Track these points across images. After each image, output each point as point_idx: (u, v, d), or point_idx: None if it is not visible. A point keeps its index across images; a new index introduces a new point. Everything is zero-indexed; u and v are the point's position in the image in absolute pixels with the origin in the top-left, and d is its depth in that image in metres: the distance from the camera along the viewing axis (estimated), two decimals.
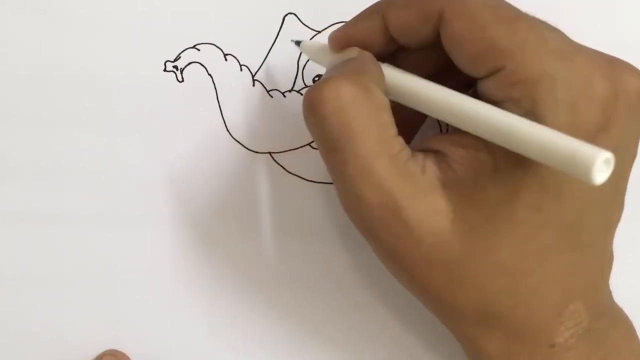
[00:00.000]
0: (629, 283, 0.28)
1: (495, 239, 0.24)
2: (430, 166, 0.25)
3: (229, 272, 0.32)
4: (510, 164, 0.24)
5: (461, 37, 0.24)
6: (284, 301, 0.32)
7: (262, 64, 0.32)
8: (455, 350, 0.28)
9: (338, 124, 0.24)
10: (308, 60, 0.32)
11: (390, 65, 0.27)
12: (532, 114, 0.23)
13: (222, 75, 0.32)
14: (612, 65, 0.25)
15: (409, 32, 0.26)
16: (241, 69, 0.32)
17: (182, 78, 0.32)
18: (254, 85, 0.32)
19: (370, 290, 0.32)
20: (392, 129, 0.25)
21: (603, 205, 0.25)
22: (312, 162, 0.32)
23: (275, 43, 0.32)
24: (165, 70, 0.31)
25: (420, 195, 0.24)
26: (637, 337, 0.28)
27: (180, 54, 0.31)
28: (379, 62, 0.26)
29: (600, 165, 0.21)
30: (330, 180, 0.32)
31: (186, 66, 0.32)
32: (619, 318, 0.28)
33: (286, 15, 0.32)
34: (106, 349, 0.32)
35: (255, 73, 0.32)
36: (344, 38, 0.27)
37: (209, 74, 0.32)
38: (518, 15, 0.24)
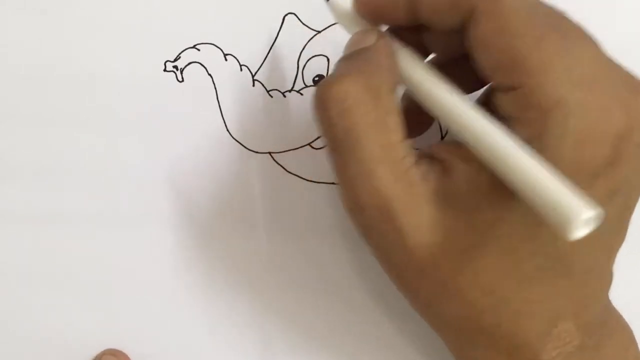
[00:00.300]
0: (628, 288, 0.28)
1: (485, 260, 0.24)
2: (433, 176, 0.24)
3: (229, 272, 0.32)
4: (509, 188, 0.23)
5: (486, 41, 0.23)
6: (284, 301, 0.32)
7: (262, 64, 0.32)
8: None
9: (343, 126, 0.24)
10: (308, 60, 0.32)
11: (410, 52, 0.26)
12: (538, 141, 0.22)
13: (222, 75, 0.32)
14: (635, 92, 0.24)
15: (437, 16, 0.25)
16: (241, 69, 0.32)
17: (182, 78, 0.32)
18: (254, 85, 0.32)
19: (370, 290, 0.32)
20: (399, 134, 0.24)
21: (604, 235, 0.24)
22: (312, 162, 0.32)
23: (275, 43, 0.32)
24: (165, 70, 0.31)
25: (417, 206, 0.24)
26: (635, 345, 0.28)
27: (180, 54, 0.31)
28: (397, 44, 0.26)
29: (584, 222, 0.20)
30: (330, 180, 0.32)
31: (186, 66, 0.32)
32: (616, 329, 0.27)
33: (286, 15, 0.32)
34: (106, 348, 0.32)
35: (255, 73, 0.32)
36: (371, 4, 0.26)
37: (209, 74, 0.32)
38: (553, 27, 0.23)
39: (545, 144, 0.22)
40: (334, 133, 0.24)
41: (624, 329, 0.28)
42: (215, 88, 0.32)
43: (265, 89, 0.32)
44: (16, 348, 0.31)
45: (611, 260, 0.26)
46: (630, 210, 0.26)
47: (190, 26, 0.32)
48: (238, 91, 0.32)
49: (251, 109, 0.32)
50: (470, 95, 0.27)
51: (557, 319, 0.25)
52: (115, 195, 0.32)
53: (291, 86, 0.32)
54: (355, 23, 0.27)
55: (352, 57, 0.25)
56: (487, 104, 0.25)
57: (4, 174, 0.31)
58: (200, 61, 0.32)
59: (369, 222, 0.24)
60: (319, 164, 0.32)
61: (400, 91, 0.27)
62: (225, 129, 0.32)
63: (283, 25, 0.32)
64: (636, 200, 0.26)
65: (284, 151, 0.32)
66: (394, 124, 0.24)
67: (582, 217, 0.20)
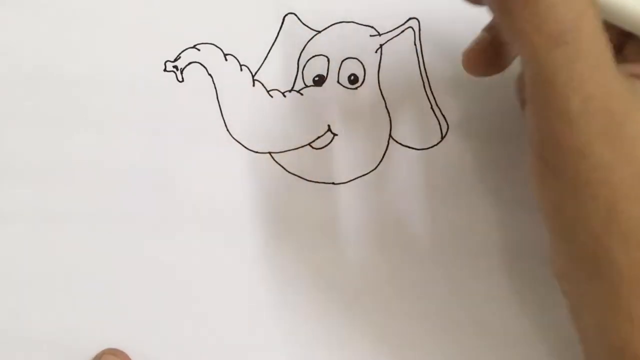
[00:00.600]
0: None
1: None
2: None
3: (228, 272, 0.32)
4: None
5: None
6: (284, 301, 0.32)
7: (262, 64, 0.32)
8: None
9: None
10: (308, 60, 0.32)
11: None
12: None
13: (222, 75, 0.32)
14: None
15: None
16: (241, 69, 0.32)
17: (182, 78, 0.32)
18: (254, 85, 0.32)
19: (370, 290, 0.32)
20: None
21: None
22: (312, 162, 0.32)
23: (275, 43, 0.32)
24: (165, 70, 0.32)
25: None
26: None
27: (180, 54, 0.32)
28: None
29: None
30: (330, 180, 0.32)
31: (186, 66, 0.32)
32: None
33: (286, 15, 0.32)
34: (106, 347, 0.32)
35: (255, 73, 0.32)
36: None
37: (209, 74, 0.32)
38: None
39: None
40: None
41: None
42: (215, 88, 0.32)
43: (265, 89, 0.32)
44: (16, 348, 0.31)
45: None
46: None
47: (190, 26, 0.32)
48: (238, 91, 0.32)
49: (251, 109, 0.32)
50: None
51: None
52: (115, 195, 0.32)
53: (291, 86, 0.32)
54: None
55: None
56: None
57: (4, 174, 0.31)
58: (200, 61, 0.32)
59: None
60: (319, 164, 0.32)
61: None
62: (225, 129, 0.32)
63: (283, 25, 0.32)
64: None
65: (284, 151, 0.32)
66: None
67: None
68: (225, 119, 0.32)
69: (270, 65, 0.32)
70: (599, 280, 0.22)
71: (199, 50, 0.32)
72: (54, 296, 0.31)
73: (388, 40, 0.32)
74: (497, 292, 0.31)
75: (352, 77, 0.32)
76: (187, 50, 0.32)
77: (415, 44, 0.32)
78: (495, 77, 0.30)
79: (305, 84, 0.32)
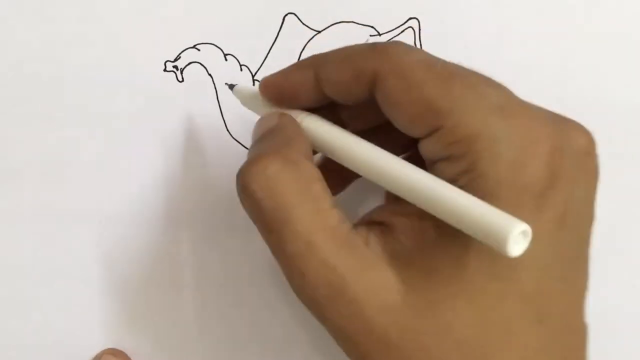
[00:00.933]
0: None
1: (453, 312, 0.22)
2: (375, 239, 0.24)
3: (229, 272, 0.32)
4: (453, 230, 0.22)
5: (397, 98, 0.23)
6: (284, 301, 0.32)
7: (262, 64, 0.32)
8: None
9: (271, 204, 0.23)
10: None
11: (320, 118, 0.26)
12: (474, 171, 0.22)
13: (222, 75, 0.32)
14: (559, 123, 0.24)
15: (343, 90, 0.25)
16: (241, 69, 0.32)
17: (182, 78, 0.32)
18: (254, 85, 0.32)
19: None
20: (327, 201, 0.23)
21: (566, 272, 0.24)
22: None
23: (275, 43, 0.32)
24: (165, 70, 0.31)
25: (367, 270, 0.22)
26: None
27: (180, 54, 0.32)
28: (310, 115, 0.26)
29: (517, 238, 0.20)
30: None
31: (186, 66, 0.32)
32: None
33: (286, 15, 0.32)
34: (106, 347, 0.32)
35: (255, 73, 0.32)
36: (275, 87, 0.27)
37: (209, 74, 0.32)
38: (454, 72, 0.23)
39: (480, 172, 0.22)
40: (263, 213, 0.23)
41: None
42: (215, 88, 0.32)
43: None
44: (17, 347, 0.32)
45: (579, 307, 0.24)
46: (585, 244, 0.24)
47: (190, 26, 0.32)
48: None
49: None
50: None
51: None
52: (115, 195, 0.32)
53: None
54: (262, 107, 0.27)
55: (262, 139, 0.25)
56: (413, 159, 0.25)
57: (4, 174, 0.31)
58: (200, 61, 0.32)
59: (321, 299, 0.23)
60: None
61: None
62: (225, 129, 0.32)
63: (283, 25, 0.32)
64: (588, 232, 0.25)
65: None
66: (321, 191, 0.23)
67: (517, 230, 0.20)
68: (225, 119, 0.32)
69: (270, 65, 0.32)
70: None
71: (199, 50, 0.32)
72: (54, 296, 0.31)
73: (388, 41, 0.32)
74: None
75: None
76: (187, 50, 0.32)
77: (415, 44, 0.32)
78: (498, 79, 0.30)
79: None
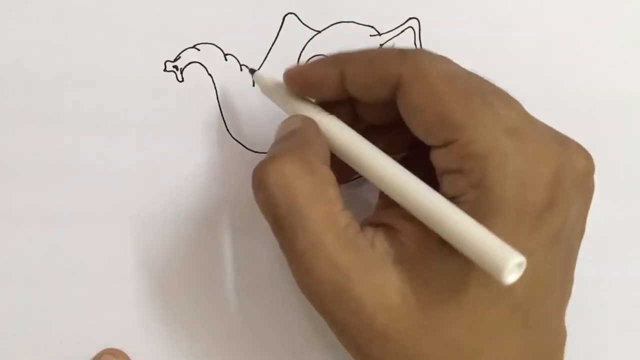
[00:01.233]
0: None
1: (445, 315, 0.24)
2: (380, 241, 0.25)
3: (229, 272, 0.32)
4: None
5: (417, 105, 0.24)
6: (284, 301, 0.32)
7: (262, 64, 0.32)
8: None
9: (285, 201, 0.24)
10: (308, 60, 0.32)
11: (337, 121, 0.27)
12: (481, 187, 0.23)
13: (222, 75, 0.32)
14: (563, 144, 0.25)
15: (366, 90, 0.26)
16: (241, 69, 0.32)
17: (182, 78, 0.32)
18: (254, 85, 0.32)
19: None
20: (339, 203, 0.25)
21: (554, 282, 0.25)
22: None
23: (275, 43, 0.32)
24: (165, 70, 0.31)
25: (370, 270, 0.24)
26: None
27: (180, 54, 0.31)
28: (330, 117, 0.27)
29: (512, 269, 0.21)
30: None
31: (186, 66, 0.32)
32: None
33: (286, 15, 0.32)
34: (106, 348, 0.32)
35: None
36: (300, 78, 0.27)
37: (209, 74, 0.32)
38: (475, 87, 0.24)
39: (487, 188, 0.23)
40: (276, 210, 0.24)
41: None
42: (215, 88, 0.32)
43: None
44: (16, 347, 0.32)
45: (562, 313, 0.27)
46: (573, 256, 0.26)
47: (190, 26, 0.32)
48: (238, 91, 0.32)
49: (251, 109, 0.32)
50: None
51: None
52: (115, 195, 0.32)
53: None
54: (281, 96, 0.28)
55: (283, 139, 0.26)
56: (419, 164, 0.26)
57: (4, 174, 0.31)
58: (200, 61, 0.32)
59: (325, 295, 0.24)
60: None
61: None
62: (226, 129, 0.32)
63: (283, 25, 0.32)
64: (578, 246, 0.26)
65: None
66: (334, 194, 0.25)
67: (512, 262, 0.21)
68: (225, 119, 0.32)
69: (270, 65, 0.32)
70: None
71: (199, 50, 0.32)
72: (54, 296, 0.31)
73: (388, 40, 0.32)
74: None
75: None
76: (187, 50, 0.32)
77: (415, 44, 0.32)
78: (499, 79, 0.30)
79: None
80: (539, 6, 0.32)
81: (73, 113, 0.31)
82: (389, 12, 0.32)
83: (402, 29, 0.32)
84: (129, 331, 0.32)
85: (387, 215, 0.26)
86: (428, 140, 0.25)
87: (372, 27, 0.32)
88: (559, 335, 0.27)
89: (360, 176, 0.29)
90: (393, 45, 0.32)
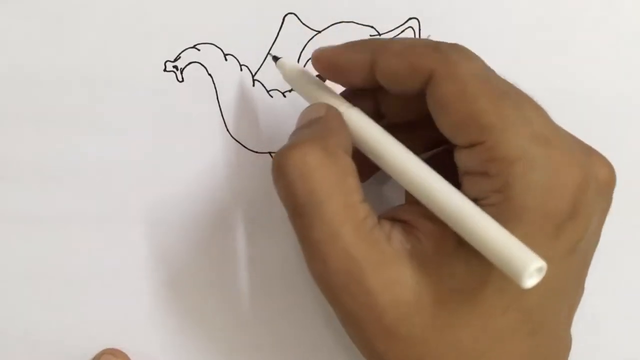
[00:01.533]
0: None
1: (456, 316, 0.24)
2: (397, 236, 0.24)
3: (230, 272, 0.32)
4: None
5: (447, 103, 0.24)
6: (284, 301, 0.32)
7: (262, 64, 0.32)
8: None
9: (304, 189, 0.24)
10: (308, 60, 0.32)
11: (361, 113, 0.26)
12: (504, 192, 0.23)
13: (222, 75, 0.32)
14: (587, 155, 0.25)
15: (396, 80, 0.25)
16: (241, 69, 0.32)
17: (182, 78, 0.32)
18: (254, 85, 0.32)
19: None
20: (359, 194, 0.24)
21: (566, 290, 0.25)
22: None
23: (275, 43, 0.32)
24: (165, 70, 0.31)
25: (385, 264, 0.24)
26: None
27: (180, 54, 0.31)
28: (351, 107, 0.26)
29: (532, 273, 0.21)
30: None
31: (186, 66, 0.32)
32: None
33: (286, 15, 0.32)
34: (105, 347, 0.32)
35: (255, 73, 0.32)
36: (329, 61, 0.27)
37: (209, 74, 0.32)
38: (506, 91, 0.24)
39: (511, 194, 0.23)
40: (296, 197, 0.24)
41: None
42: (215, 88, 0.32)
43: (265, 89, 0.32)
44: (16, 347, 0.31)
45: (570, 321, 0.27)
46: (587, 265, 0.26)
47: (190, 26, 0.32)
48: (238, 91, 0.32)
49: (251, 109, 0.32)
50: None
51: None
52: (115, 195, 0.32)
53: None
54: (304, 84, 0.28)
55: (306, 126, 0.26)
56: (440, 162, 0.25)
57: (4, 174, 0.31)
58: (200, 61, 0.32)
59: (338, 285, 0.24)
60: None
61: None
62: (225, 129, 0.32)
63: (283, 25, 0.32)
64: (592, 254, 0.26)
65: None
66: (354, 185, 0.24)
67: (533, 267, 0.21)
68: (225, 119, 0.32)
69: (270, 65, 0.32)
70: None
71: (199, 50, 0.32)
72: (53, 296, 0.31)
73: None
74: None
75: None
76: (187, 50, 0.32)
77: None
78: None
79: None
80: (540, 6, 0.32)
81: (73, 113, 0.31)
82: (389, 12, 0.32)
83: (402, 29, 0.32)
84: (129, 331, 0.32)
85: (406, 211, 0.25)
86: (455, 139, 0.24)
87: (372, 27, 0.32)
88: (564, 344, 0.27)
89: (379, 171, 0.29)
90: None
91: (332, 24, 0.32)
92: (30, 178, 0.31)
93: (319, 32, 0.32)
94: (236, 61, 0.32)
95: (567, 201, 0.23)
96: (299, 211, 0.24)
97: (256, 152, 0.32)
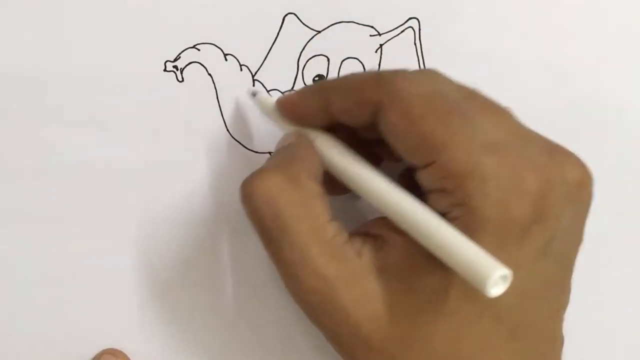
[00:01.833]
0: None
1: (431, 327, 0.24)
2: (368, 251, 0.25)
3: (229, 273, 0.32)
4: None
5: (395, 129, 0.25)
6: (285, 302, 0.32)
7: (262, 64, 0.32)
8: None
9: (271, 215, 0.25)
10: (308, 60, 0.32)
11: (331, 139, 0.27)
12: (464, 206, 0.23)
13: (222, 75, 0.32)
14: (551, 155, 0.25)
15: (349, 117, 0.26)
16: (241, 69, 0.32)
17: (182, 78, 0.32)
18: (254, 85, 0.32)
19: None
20: (325, 215, 0.25)
21: (544, 292, 0.25)
22: None
23: (275, 43, 0.32)
24: (165, 70, 0.31)
25: (356, 281, 0.24)
26: None
27: (180, 54, 0.31)
28: (323, 134, 0.27)
29: (496, 281, 0.21)
30: None
31: (186, 66, 0.32)
32: None
33: (286, 15, 0.32)
34: (105, 347, 0.32)
35: (255, 73, 0.32)
36: (290, 110, 0.28)
37: (209, 74, 0.32)
38: (453, 107, 0.24)
39: (471, 207, 0.23)
40: (263, 223, 0.25)
41: None
42: (215, 88, 0.32)
43: (265, 89, 0.32)
44: (16, 347, 0.31)
45: (558, 320, 0.27)
46: (569, 265, 0.26)
47: (190, 26, 0.32)
48: (238, 91, 0.32)
49: (251, 109, 0.32)
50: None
51: None
52: (115, 196, 0.32)
53: (291, 86, 0.32)
54: (279, 117, 0.29)
55: (274, 155, 0.28)
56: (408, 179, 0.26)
57: (4, 174, 0.31)
58: (200, 61, 0.32)
59: (313, 304, 0.25)
60: None
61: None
62: (225, 129, 0.32)
63: (283, 25, 0.32)
64: (574, 254, 0.27)
65: None
66: (320, 206, 0.25)
67: (496, 275, 0.21)
68: (225, 119, 0.32)
69: (270, 65, 0.32)
70: None
71: (199, 50, 0.32)
72: (53, 296, 0.31)
73: (388, 40, 0.32)
74: None
75: None
76: (187, 50, 0.32)
77: (415, 44, 0.32)
78: (498, 79, 0.30)
79: (305, 84, 0.32)
80: (540, 5, 0.33)
81: (72, 113, 0.31)
82: (389, 12, 0.32)
83: (402, 29, 0.32)
84: (129, 331, 0.32)
85: (378, 225, 0.26)
86: (411, 161, 0.25)
87: (372, 27, 0.32)
88: (553, 344, 0.27)
89: None
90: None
91: (332, 24, 0.32)
92: (30, 178, 0.31)
93: (319, 32, 0.32)
94: (236, 61, 0.32)
95: (529, 206, 0.24)
96: (268, 236, 0.25)
97: (256, 152, 0.32)
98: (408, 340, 0.24)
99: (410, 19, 0.32)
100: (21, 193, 0.31)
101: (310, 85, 0.28)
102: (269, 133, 0.32)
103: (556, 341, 0.27)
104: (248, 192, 0.25)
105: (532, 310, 0.25)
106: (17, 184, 0.31)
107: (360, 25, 0.32)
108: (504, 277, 0.22)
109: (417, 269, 0.24)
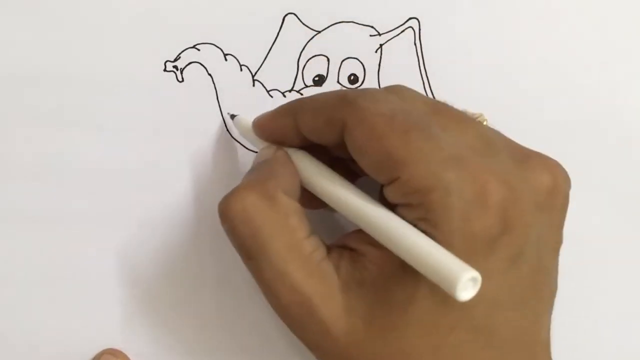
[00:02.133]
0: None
1: (407, 340, 0.24)
2: (345, 265, 0.26)
3: (230, 272, 0.32)
4: None
5: (360, 147, 0.25)
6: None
7: (262, 64, 0.32)
8: None
9: (248, 233, 0.25)
10: (308, 60, 0.32)
11: (306, 156, 0.28)
12: (427, 222, 0.24)
13: (222, 75, 0.32)
14: (520, 163, 0.25)
15: (318, 136, 0.27)
16: (241, 69, 0.32)
17: (182, 78, 0.32)
18: (254, 85, 0.32)
19: None
20: (303, 231, 0.26)
21: (518, 301, 0.25)
22: None
23: (275, 43, 0.32)
24: (165, 70, 0.31)
25: (334, 295, 0.25)
26: None
27: (180, 54, 0.31)
28: (299, 151, 0.28)
29: (466, 284, 0.22)
30: None
31: (186, 66, 0.32)
32: None
33: (286, 15, 0.32)
34: (105, 348, 0.32)
35: (255, 73, 0.32)
36: (264, 129, 0.29)
37: (209, 74, 0.32)
38: (414, 124, 0.24)
39: (435, 222, 0.24)
40: (241, 242, 0.25)
41: None
42: (215, 88, 0.32)
43: (265, 89, 0.32)
44: (16, 347, 0.31)
45: (540, 326, 0.27)
46: (544, 272, 0.26)
47: (190, 26, 0.32)
48: (238, 91, 0.32)
49: (251, 109, 0.32)
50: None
51: None
52: (115, 196, 0.32)
53: (291, 86, 0.32)
54: (255, 138, 0.29)
55: (250, 171, 0.28)
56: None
57: (4, 174, 0.31)
58: (200, 61, 0.32)
59: (293, 318, 0.25)
60: None
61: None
62: (226, 129, 0.32)
63: (283, 25, 0.32)
64: (553, 258, 0.27)
65: None
66: (296, 223, 0.26)
67: (465, 278, 0.21)
68: (225, 119, 0.32)
69: (270, 65, 0.32)
70: None
71: (199, 50, 0.32)
72: (53, 296, 0.31)
73: (388, 40, 0.32)
74: None
75: (352, 77, 0.32)
76: (187, 50, 0.32)
77: (415, 44, 0.32)
78: (498, 79, 0.30)
79: (305, 84, 0.32)
80: (540, 5, 0.33)
81: (72, 113, 0.31)
82: (389, 12, 0.32)
83: (402, 29, 0.32)
84: (129, 331, 0.32)
85: (354, 239, 0.26)
86: (377, 178, 0.25)
87: (372, 27, 0.32)
88: (534, 349, 0.27)
89: None
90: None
91: (332, 24, 0.32)
92: (31, 178, 0.31)
93: (319, 32, 0.32)
94: (236, 61, 0.32)
95: (494, 217, 0.24)
96: (247, 254, 0.26)
97: (256, 152, 0.32)
98: (386, 353, 0.25)
99: (410, 19, 0.32)
100: (21, 193, 0.31)
101: (283, 105, 0.28)
102: None
103: (537, 346, 0.27)
104: (225, 211, 0.26)
105: (508, 318, 0.25)
106: (17, 184, 0.31)
107: (360, 25, 0.32)
108: (473, 280, 0.22)
109: (393, 281, 0.25)
